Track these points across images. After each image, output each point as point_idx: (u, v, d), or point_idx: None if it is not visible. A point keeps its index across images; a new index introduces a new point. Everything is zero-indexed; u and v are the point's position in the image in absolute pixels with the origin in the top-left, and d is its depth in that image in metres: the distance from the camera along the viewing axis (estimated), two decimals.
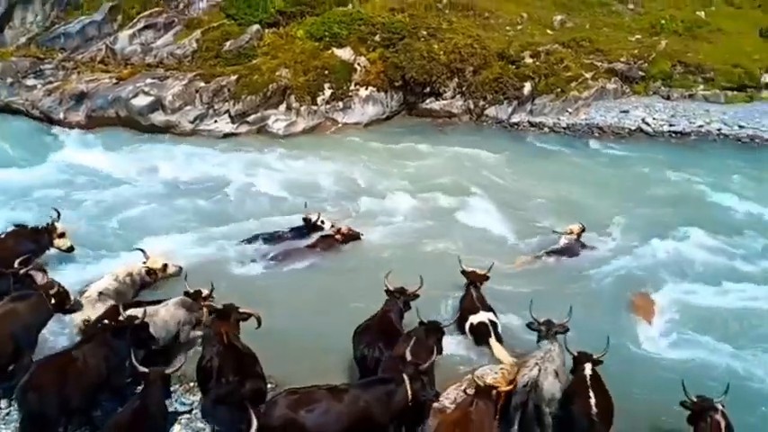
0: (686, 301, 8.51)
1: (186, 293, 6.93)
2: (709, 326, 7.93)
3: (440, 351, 6.17)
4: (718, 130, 16.18)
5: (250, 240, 9.60)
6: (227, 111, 15.92)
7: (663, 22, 18.53)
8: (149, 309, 6.40)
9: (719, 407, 5.31)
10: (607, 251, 9.97)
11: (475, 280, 7.94)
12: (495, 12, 18.49)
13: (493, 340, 7.07)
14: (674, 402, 5.57)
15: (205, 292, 7.03)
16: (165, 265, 8.44)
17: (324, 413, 4.90)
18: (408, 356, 5.36)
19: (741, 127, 16.20)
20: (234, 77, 16.04)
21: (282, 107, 16.20)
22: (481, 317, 7.37)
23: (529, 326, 6.48)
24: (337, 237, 9.70)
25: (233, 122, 15.93)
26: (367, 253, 9.65)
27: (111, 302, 7.12)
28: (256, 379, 5.52)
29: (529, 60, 17.22)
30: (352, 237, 9.83)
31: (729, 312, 8.24)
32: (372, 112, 16.69)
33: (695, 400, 5.42)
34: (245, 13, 17.11)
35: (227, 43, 16.75)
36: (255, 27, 16.99)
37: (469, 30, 17.53)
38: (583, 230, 9.87)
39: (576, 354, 5.88)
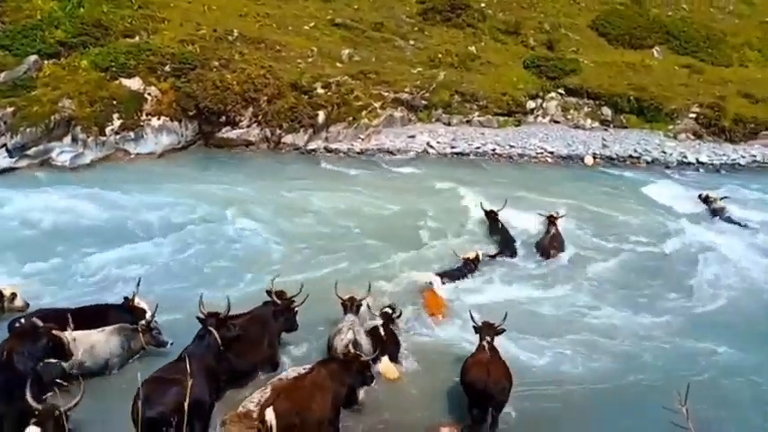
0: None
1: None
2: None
3: None
4: (493, 150, 23.96)
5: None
6: (4, 144, 19.73)
7: (440, 55, 26.63)
8: (79, 333, 9.17)
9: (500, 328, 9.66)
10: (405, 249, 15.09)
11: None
12: (286, 45, 24.98)
13: None
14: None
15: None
16: (14, 295, 10.91)
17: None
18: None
19: (511, 147, 24.22)
20: (10, 109, 19.89)
21: (68, 139, 20.37)
22: None
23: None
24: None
25: (11, 156, 19.70)
26: None
27: None
28: (18, 401, 7.43)
29: (321, 91, 23.74)
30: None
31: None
32: (167, 141, 21.64)
33: (480, 324, 9.69)
34: (21, 44, 21.30)
35: (2, 74, 20.70)
36: (33, 58, 21.17)
37: (262, 61, 23.65)
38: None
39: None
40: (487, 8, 30.23)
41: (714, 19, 32.53)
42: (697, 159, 23.78)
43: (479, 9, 29.91)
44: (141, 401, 6.43)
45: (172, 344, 10.04)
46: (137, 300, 10.51)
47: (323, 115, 23.24)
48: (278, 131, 22.73)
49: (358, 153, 23.15)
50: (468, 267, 13.96)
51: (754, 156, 24.32)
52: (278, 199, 18.32)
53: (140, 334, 9.92)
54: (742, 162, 23.84)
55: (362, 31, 27.18)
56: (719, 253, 15.41)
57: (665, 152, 24.14)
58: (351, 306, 10.46)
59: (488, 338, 9.36)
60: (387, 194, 19.06)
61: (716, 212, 18.07)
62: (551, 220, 15.82)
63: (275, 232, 15.98)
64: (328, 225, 16.71)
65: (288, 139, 22.83)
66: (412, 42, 27.35)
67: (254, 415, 8.06)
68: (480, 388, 8.73)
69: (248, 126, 22.64)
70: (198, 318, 9.22)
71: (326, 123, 23.30)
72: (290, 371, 9.53)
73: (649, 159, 23.75)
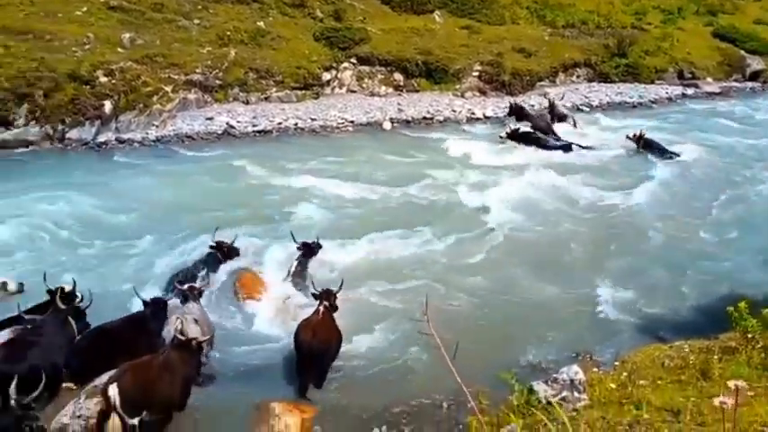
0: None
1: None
2: None
3: None
4: (295, 124, 24.28)
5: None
6: None
7: (229, 33, 26.38)
8: None
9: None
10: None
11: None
12: (58, 34, 23.31)
13: None
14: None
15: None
16: (5, 283, 11.32)
17: None
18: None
19: (313, 119, 24.71)
20: None
21: None
22: None
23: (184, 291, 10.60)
24: None
25: None
26: None
27: None
28: None
29: (104, 79, 22.57)
30: None
31: None
32: None
33: (320, 291, 10.10)
34: None
35: None
36: None
37: (32, 53, 21.94)
38: None
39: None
40: None
41: None
42: (483, 114, 25.90)
43: None
44: None
45: None
46: None
47: (110, 105, 22.14)
48: (60, 127, 21.29)
49: (154, 141, 22.27)
50: None
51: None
52: (57, 204, 16.55)
53: None
54: None
55: (142, 13, 26.09)
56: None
57: (454, 110, 26.00)
58: (191, 293, 10.43)
59: (326, 303, 9.87)
60: (190, 181, 18.64)
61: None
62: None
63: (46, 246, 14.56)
64: (127, 219, 15.87)
65: (73, 134, 21.46)
66: (197, 21, 26.76)
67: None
68: (305, 347, 9.27)
69: (25, 125, 20.95)
70: None
71: (115, 113, 22.21)
72: None
73: (442, 119, 25.45)
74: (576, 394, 5.78)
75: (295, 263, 12.76)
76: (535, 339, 10.72)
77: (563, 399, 5.71)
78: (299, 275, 12.53)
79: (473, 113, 25.94)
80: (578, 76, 31.28)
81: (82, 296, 10.13)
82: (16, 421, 7.17)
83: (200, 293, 10.66)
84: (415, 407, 8.85)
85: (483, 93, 27.96)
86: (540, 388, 5.84)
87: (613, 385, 5.95)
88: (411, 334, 10.11)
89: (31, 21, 24.01)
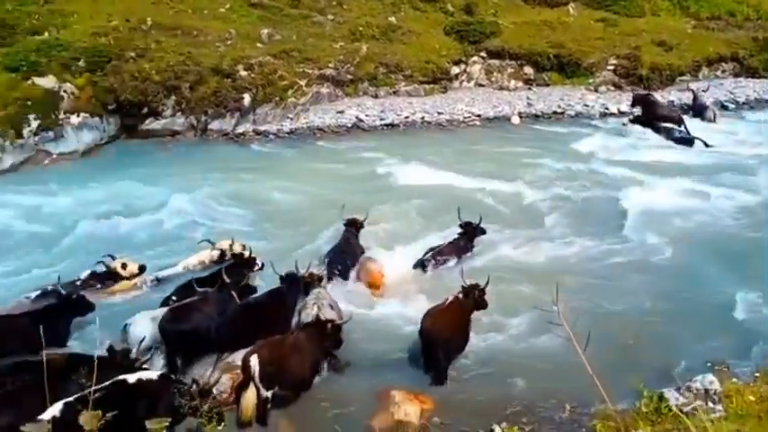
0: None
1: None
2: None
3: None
4: (422, 118, 24.49)
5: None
6: None
7: (361, 28, 26.95)
8: None
9: None
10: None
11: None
12: (203, 30, 24.84)
13: None
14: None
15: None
16: (125, 265, 12.26)
17: None
18: None
19: (440, 113, 24.81)
20: None
21: None
22: None
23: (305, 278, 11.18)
24: None
25: None
26: None
27: None
28: None
29: (244, 73, 23.77)
30: None
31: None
32: (89, 138, 21.30)
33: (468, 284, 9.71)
34: None
35: None
36: None
37: (180, 48, 23.47)
38: None
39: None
40: None
41: None
42: (618, 110, 24.90)
43: None
44: None
45: None
46: None
47: (248, 98, 23.29)
48: (204, 118, 22.68)
49: (288, 133, 23.24)
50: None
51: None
52: (212, 187, 18.06)
53: None
54: None
55: (280, 10, 27.21)
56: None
57: (587, 105, 25.21)
58: (317, 281, 10.86)
59: (458, 295, 9.70)
60: (326, 171, 19.36)
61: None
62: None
63: (215, 220, 16.01)
64: (270, 207, 16.76)
65: (215, 125, 22.83)
66: (331, 17, 27.56)
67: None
68: (424, 335, 9.35)
69: (172, 115, 22.51)
70: None
71: (253, 106, 23.35)
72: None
73: (573, 113, 24.76)
74: (710, 405, 5.54)
75: (450, 239, 12.98)
76: (669, 345, 10.24)
77: (695, 408, 5.48)
78: (451, 251, 12.70)
79: (607, 108, 25.04)
80: (723, 71, 29.35)
81: (262, 264, 11.95)
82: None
83: (321, 279, 11.05)
84: (538, 406, 8.74)
85: (618, 87, 26.92)
86: (672, 396, 5.65)
87: (752, 398, 5.63)
88: (542, 332, 9.99)
89: (179, 17, 25.72)
